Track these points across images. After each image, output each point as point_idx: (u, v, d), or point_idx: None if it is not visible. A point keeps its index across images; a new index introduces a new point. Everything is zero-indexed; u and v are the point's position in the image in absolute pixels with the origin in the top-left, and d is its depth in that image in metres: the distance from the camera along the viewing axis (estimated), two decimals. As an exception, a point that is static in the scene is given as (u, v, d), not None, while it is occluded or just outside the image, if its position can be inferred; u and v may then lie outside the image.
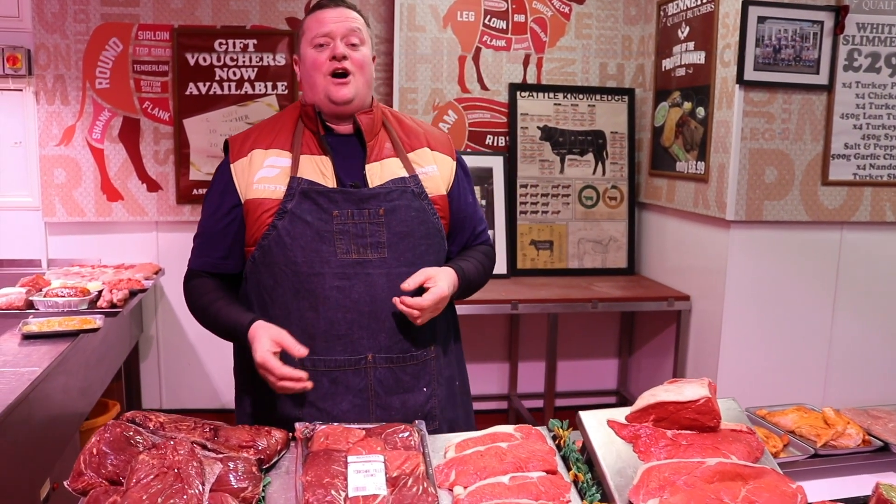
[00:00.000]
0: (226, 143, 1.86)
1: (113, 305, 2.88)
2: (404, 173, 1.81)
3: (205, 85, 3.85)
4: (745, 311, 3.30)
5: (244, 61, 3.87)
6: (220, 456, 1.39)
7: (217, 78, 3.86)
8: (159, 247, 3.96)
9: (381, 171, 1.80)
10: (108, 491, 1.32)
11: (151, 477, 1.28)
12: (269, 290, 1.77)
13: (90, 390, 2.89)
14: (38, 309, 2.79)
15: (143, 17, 3.77)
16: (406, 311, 1.69)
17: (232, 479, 1.34)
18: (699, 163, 3.43)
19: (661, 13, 3.82)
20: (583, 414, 1.55)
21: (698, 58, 3.44)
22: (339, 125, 1.82)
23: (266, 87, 3.91)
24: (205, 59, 3.83)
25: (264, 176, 1.76)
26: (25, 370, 2.22)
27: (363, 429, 1.56)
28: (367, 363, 1.75)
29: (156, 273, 3.59)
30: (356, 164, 1.80)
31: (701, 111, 3.42)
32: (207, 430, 1.51)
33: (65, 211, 3.82)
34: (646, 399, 1.51)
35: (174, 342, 4.05)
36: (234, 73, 3.87)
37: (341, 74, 1.76)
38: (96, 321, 2.63)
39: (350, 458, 1.41)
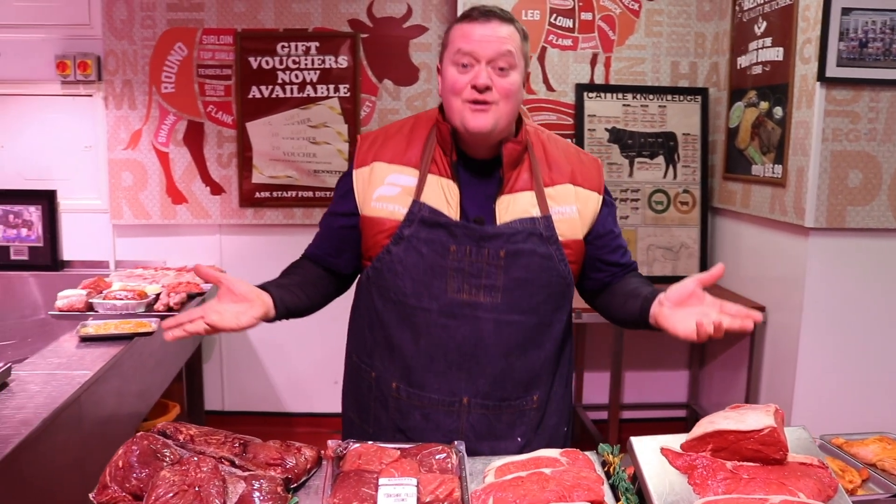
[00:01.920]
0: (354, 140, 1.77)
1: (169, 309, 2.88)
2: (536, 212, 1.64)
3: (267, 88, 3.85)
4: (824, 325, 3.08)
5: (306, 64, 3.85)
6: (245, 474, 1.33)
7: (279, 81, 3.85)
8: (222, 249, 3.98)
9: (511, 206, 1.64)
10: (129, 507, 1.27)
11: (171, 495, 1.23)
12: (377, 311, 1.71)
13: (147, 392, 2.90)
14: (97, 311, 2.82)
15: (207, 22, 3.80)
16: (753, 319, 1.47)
17: (256, 498, 1.28)
18: (776, 166, 3.23)
19: (737, 8, 3.62)
20: (634, 440, 1.43)
21: (776, 54, 3.24)
22: (477, 150, 1.67)
23: (328, 89, 3.88)
24: (267, 63, 3.83)
25: (384, 194, 1.66)
26: (78, 373, 2.22)
27: (399, 448, 1.48)
28: (462, 406, 1.66)
29: (216, 276, 3.60)
30: (487, 193, 1.65)
31: (778, 111, 3.22)
32: (237, 444, 1.45)
33: (131, 213, 3.87)
34: (703, 426, 1.38)
35: (237, 345, 4.07)
36: (297, 76, 3.86)
37: (481, 101, 1.58)
38: (151, 325, 2.64)
39: (381, 481, 1.33)
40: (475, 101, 1.57)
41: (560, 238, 1.66)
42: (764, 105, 3.35)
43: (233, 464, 1.39)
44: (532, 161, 1.69)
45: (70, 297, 2.82)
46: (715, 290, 3.66)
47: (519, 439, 1.71)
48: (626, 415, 4.16)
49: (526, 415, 1.72)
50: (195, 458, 1.30)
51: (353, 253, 1.76)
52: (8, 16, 3.76)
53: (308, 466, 1.44)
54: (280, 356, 4.08)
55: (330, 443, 1.47)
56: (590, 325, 3.93)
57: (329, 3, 3.83)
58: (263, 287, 1.60)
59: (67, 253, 3.89)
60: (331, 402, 3.56)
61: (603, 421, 3.86)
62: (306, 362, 4.05)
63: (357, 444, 1.47)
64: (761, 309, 3.39)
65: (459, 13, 3.69)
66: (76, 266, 3.87)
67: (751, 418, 1.35)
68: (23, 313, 3.65)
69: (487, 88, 1.56)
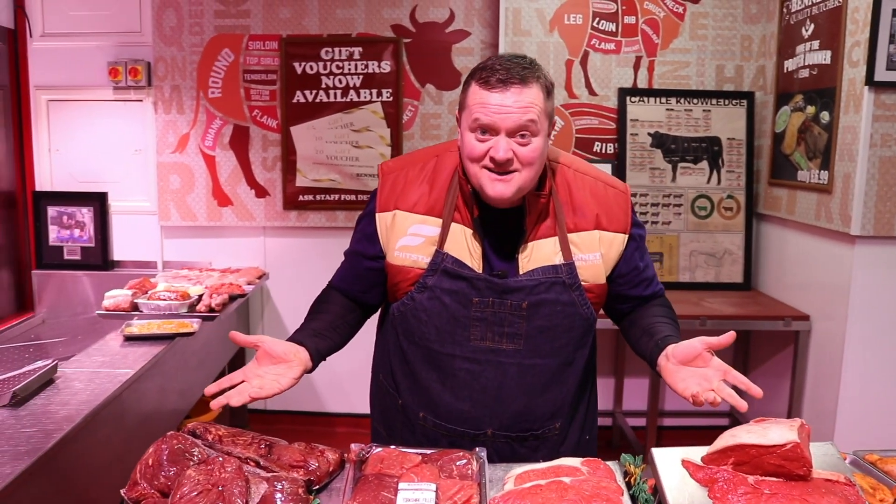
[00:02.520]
0: (378, 171, 1.72)
1: (211, 310, 2.95)
2: (559, 260, 1.62)
3: (311, 93, 3.91)
4: (870, 335, 3.00)
5: (350, 69, 3.90)
6: (268, 475, 1.36)
7: (323, 86, 3.91)
8: (266, 251, 4.06)
9: (533, 254, 1.62)
10: (156, 503, 1.31)
11: (195, 493, 1.27)
12: (403, 351, 1.74)
13: (189, 391, 2.97)
14: (141, 311, 2.90)
15: (253, 28, 3.87)
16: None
17: (278, 499, 1.31)
18: (822, 172, 3.16)
19: (784, 10, 3.55)
20: (656, 451, 1.42)
21: (823, 57, 3.17)
22: (500, 204, 1.59)
23: (371, 94, 3.92)
24: (311, 68, 3.89)
25: (407, 244, 1.66)
26: (120, 371, 2.30)
27: (420, 454, 1.49)
28: (486, 437, 1.70)
29: (259, 277, 3.68)
30: (510, 242, 1.63)
31: (825, 116, 3.15)
32: (262, 446, 1.49)
33: (179, 215, 3.97)
34: (725, 439, 1.37)
35: (279, 345, 4.13)
36: (340, 81, 3.91)
37: (502, 172, 1.52)
38: (193, 325, 2.71)
39: (401, 485, 1.35)
40: (495, 171, 1.52)
41: (583, 283, 1.65)
42: (810, 109, 3.28)
43: (258, 464, 1.43)
44: (556, 206, 1.65)
45: (116, 297, 2.91)
46: (759, 297, 3.61)
47: (541, 460, 1.71)
48: (668, 422, 4.11)
49: (549, 440, 1.76)
50: (220, 459, 1.34)
51: (382, 288, 1.78)
52: (64, 25, 3.90)
53: (331, 469, 1.47)
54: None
55: (353, 446, 1.49)
56: (630, 331, 3.90)
57: (372, 8, 3.87)
58: (298, 339, 1.60)
59: (118, 253, 4.01)
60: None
61: (642, 428, 3.82)
62: (347, 363, 4.04)
63: (380, 449, 1.49)
64: (805, 318, 3.32)
65: (501, 19, 3.74)
66: (126, 266, 4.00)
67: (774, 433, 1.33)
68: (74, 311, 3.79)
69: (507, 161, 1.50)
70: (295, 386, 1.50)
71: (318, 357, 1.62)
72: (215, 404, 1.40)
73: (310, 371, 1.59)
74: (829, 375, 3.15)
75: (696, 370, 1.49)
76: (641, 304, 1.78)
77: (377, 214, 1.69)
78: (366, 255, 1.74)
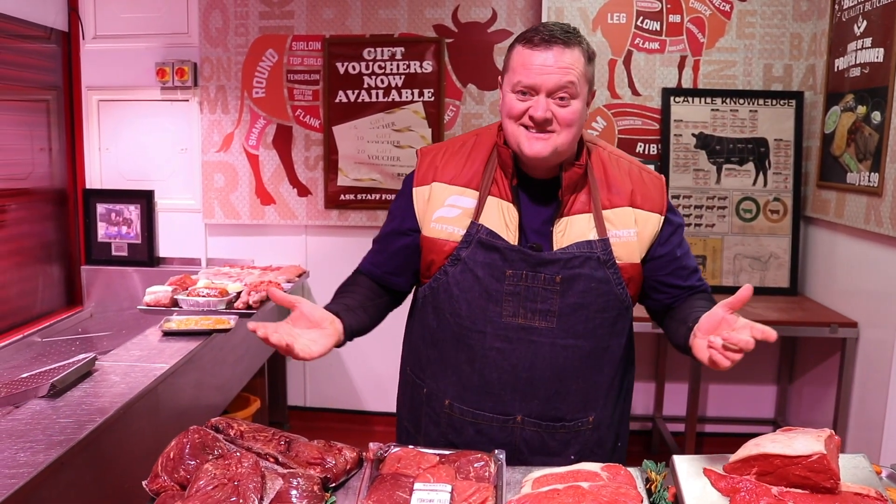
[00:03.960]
0: (417, 154, 1.76)
1: (248, 307, 2.99)
2: (593, 235, 1.61)
3: (353, 93, 3.94)
4: (921, 343, 2.90)
5: (392, 69, 3.92)
6: (285, 472, 1.37)
7: (365, 86, 3.93)
8: (308, 250, 4.10)
9: (568, 230, 1.61)
10: (174, 496, 1.34)
11: (211, 487, 1.28)
12: (431, 330, 1.72)
13: (227, 386, 3.02)
14: (181, 307, 2.96)
15: (297, 29, 3.92)
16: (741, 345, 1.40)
17: (293, 496, 1.32)
18: (873, 174, 3.06)
19: (836, 7, 3.45)
20: (677, 458, 1.39)
21: (876, 55, 3.07)
22: (537, 171, 1.63)
23: (413, 94, 3.93)
24: (353, 68, 3.92)
25: (443, 216, 1.66)
26: (156, 366, 2.35)
27: (438, 454, 1.49)
28: (515, 423, 1.67)
29: (299, 276, 3.72)
30: (545, 216, 1.63)
31: (877, 116, 3.04)
32: (282, 442, 1.50)
33: (222, 213, 4.04)
34: (749, 448, 1.33)
35: (319, 342, 4.17)
36: (382, 81, 3.93)
37: (539, 130, 1.54)
38: (230, 322, 2.75)
39: (416, 486, 1.35)
40: (534, 129, 1.54)
41: (617, 261, 1.63)
42: (861, 110, 3.18)
43: (276, 461, 1.44)
44: (591, 183, 1.65)
45: (157, 293, 2.97)
46: (805, 302, 3.52)
47: (572, 457, 1.70)
48: (709, 428, 4.03)
49: (581, 434, 1.71)
50: (238, 454, 1.35)
51: (412, 271, 1.76)
52: (115, 27, 4.00)
53: (348, 467, 1.47)
54: (361, 356, 4.16)
55: (371, 445, 1.49)
56: (671, 335, 3.83)
57: (415, 8, 3.88)
58: (333, 310, 1.59)
59: (163, 250, 4.10)
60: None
61: (681, 433, 3.75)
62: (386, 362, 4.10)
63: (398, 448, 1.49)
64: (853, 325, 3.21)
65: (544, 19, 3.71)
66: (171, 263, 4.08)
67: (799, 443, 1.29)
68: (121, 306, 3.88)
69: (546, 121, 1.53)
70: (327, 354, 1.51)
71: (349, 332, 1.61)
72: (252, 325, 1.39)
73: (340, 345, 1.58)
74: (876, 385, 3.05)
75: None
76: (682, 296, 1.72)
77: (414, 189, 1.70)
78: (400, 231, 1.73)
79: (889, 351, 2.95)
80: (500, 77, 1.65)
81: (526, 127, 1.55)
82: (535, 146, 1.54)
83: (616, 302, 1.64)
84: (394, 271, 1.77)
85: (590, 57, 1.57)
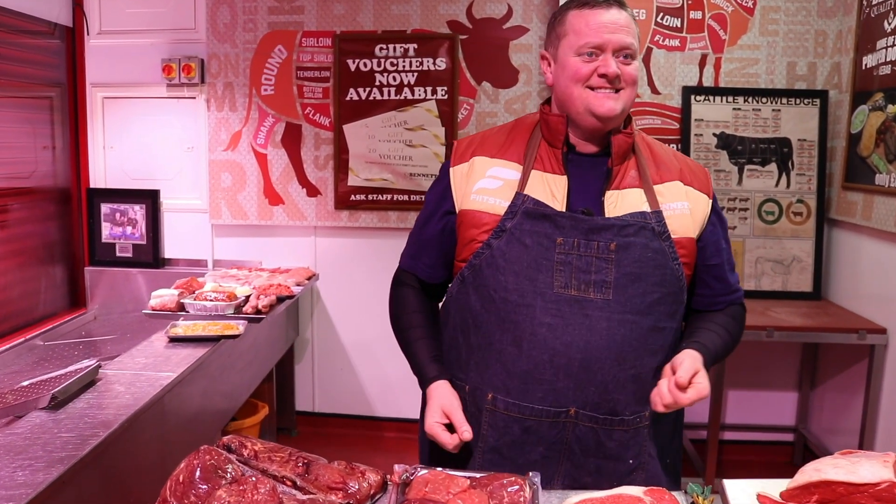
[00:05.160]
0: (450, 144, 1.72)
1: (258, 311, 2.89)
2: (646, 208, 1.56)
3: (364, 90, 3.84)
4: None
5: (404, 66, 3.82)
6: (305, 498, 1.27)
7: (377, 83, 3.83)
8: (317, 251, 4.00)
9: (619, 202, 1.56)
10: (186, 524, 1.24)
11: (226, 516, 1.18)
12: (474, 314, 1.59)
13: (235, 392, 2.93)
14: (188, 311, 2.86)
15: (307, 25, 3.82)
16: (667, 403, 1.43)
17: (313, 524, 1.22)
18: (904, 176, 2.95)
19: (864, 3, 3.34)
20: (728, 483, 1.29)
21: (907, 54, 2.96)
22: (584, 143, 1.60)
23: (426, 91, 3.83)
24: (365, 65, 3.82)
25: (484, 187, 1.59)
26: (163, 374, 2.25)
27: (469, 478, 1.38)
28: (568, 417, 1.53)
29: (308, 278, 3.62)
30: (594, 188, 1.57)
31: (909, 116, 2.94)
32: (300, 464, 1.39)
33: (230, 214, 3.94)
34: (808, 474, 1.22)
35: (328, 346, 4.08)
36: (394, 79, 3.83)
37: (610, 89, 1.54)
38: (239, 327, 2.65)
39: (446, 512, 1.25)
40: (603, 88, 1.52)
41: (672, 235, 1.56)
42: (892, 108, 3.07)
43: (294, 484, 1.34)
44: (639, 159, 1.61)
45: (163, 296, 2.87)
46: (830, 307, 3.41)
47: (630, 461, 1.58)
48: (728, 436, 3.92)
49: (639, 433, 1.57)
50: (253, 479, 1.25)
51: (448, 261, 1.68)
52: (120, 22, 3.91)
53: (372, 492, 1.37)
54: (370, 360, 4.06)
55: (397, 467, 1.39)
56: (691, 340, 3.72)
57: (428, 4, 3.78)
58: (435, 375, 1.63)
59: (169, 251, 4.01)
60: (419, 408, 3.52)
61: (702, 441, 3.64)
62: (396, 367, 4.01)
63: (425, 471, 1.38)
64: (882, 331, 3.11)
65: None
66: (177, 264, 3.99)
67: (865, 469, 1.19)
68: (125, 308, 3.79)
69: (617, 77, 1.51)
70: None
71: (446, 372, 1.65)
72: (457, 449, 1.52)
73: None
74: (908, 394, 2.94)
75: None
76: (724, 295, 1.69)
77: (451, 168, 1.66)
78: (437, 215, 1.67)
79: (922, 359, 2.85)
80: (545, 52, 1.64)
81: (592, 88, 1.53)
82: (606, 104, 1.52)
83: (672, 278, 1.55)
84: (432, 262, 1.70)
85: (635, 19, 1.59)
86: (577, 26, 1.53)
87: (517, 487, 1.34)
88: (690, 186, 1.62)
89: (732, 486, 1.28)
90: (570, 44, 1.54)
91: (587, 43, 1.51)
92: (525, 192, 1.56)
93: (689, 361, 1.47)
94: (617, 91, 1.52)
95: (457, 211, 1.63)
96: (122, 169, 4.01)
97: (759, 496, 1.26)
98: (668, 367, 1.50)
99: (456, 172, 1.64)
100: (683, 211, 1.59)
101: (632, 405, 1.55)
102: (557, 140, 1.59)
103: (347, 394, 4.13)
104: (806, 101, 3.63)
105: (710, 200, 1.64)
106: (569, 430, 1.54)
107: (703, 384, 1.45)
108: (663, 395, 1.44)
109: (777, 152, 3.64)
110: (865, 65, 3.31)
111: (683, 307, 1.62)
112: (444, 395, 1.57)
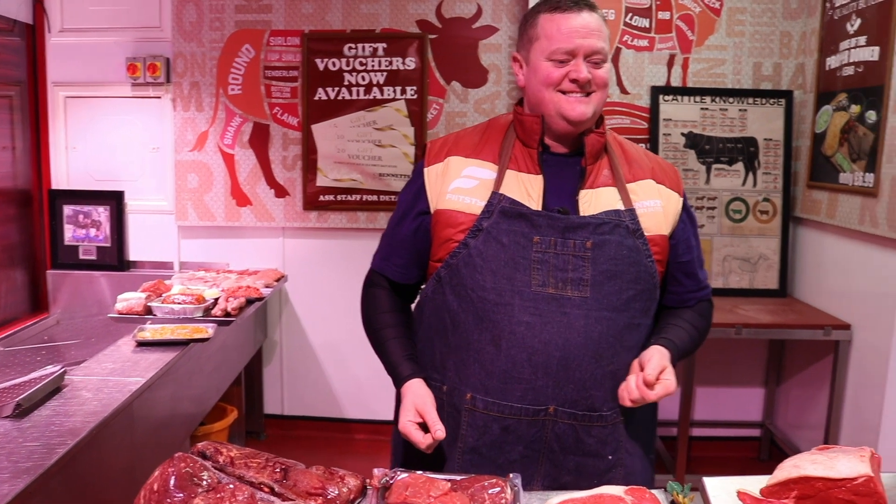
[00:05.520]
0: (424, 145, 1.71)
1: (227, 314, 2.85)
2: (620, 206, 1.58)
3: (333, 90, 3.81)
4: (920, 347, 2.84)
5: (373, 65, 3.79)
6: (283, 504, 1.24)
7: (346, 83, 3.80)
8: (285, 253, 3.96)
9: (594, 201, 1.58)
10: (161, 535, 1.20)
11: (202, 525, 1.16)
12: (452, 314, 1.59)
13: (204, 396, 2.88)
14: (155, 315, 2.81)
15: (275, 24, 3.78)
16: (635, 399, 1.48)
17: (293, 531, 1.20)
18: (867, 174, 3.00)
19: (827, 5, 3.39)
20: (708, 480, 1.30)
21: (871, 54, 3.02)
22: (556, 144, 1.62)
23: (395, 91, 3.81)
24: (334, 64, 3.78)
25: (460, 186, 1.59)
26: (131, 380, 2.20)
27: (449, 480, 1.37)
28: (547, 415, 1.54)
29: (277, 280, 3.58)
30: (568, 188, 1.59)
31: (872, 115, 2.99)
32: (278, 470, 1.37)
33: (196, 215, 3.88)
34: (787, 470, 1.23)
35: (297, 348, 4.04)
36: (363, 78, 3.80)
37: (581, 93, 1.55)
38: (208, 330, 2.61)
39: (427, 516, 1.23)
40: (574, 93, 1.54)
41: (645, 233, 1.58)
42: (855, 109, 3.12)
43: (272, 491, 1.31)
44: (612, 158, 1.64)
45: (129, 300, 2.82)
46: (796, 304, 3.46)
47: (609, 457, 1.59)
48: (697, 432, 3.96)
49: (617, 429, 1.59)
50: (231, 486, 1.23)
51: (422, 262, 1.67)
52: (83, 20, 3.82)
53: (351, 497, 1.35)
54: (340, 362, 4.03)
55: (376, 471, 1.37)
56: (661, 338, 3.75)
57: (397, 3, 3.76)
58: (410, 374, 1.61)
59: (134, 253, 3.94)
60: (390, 409, 3.50)
61: (672, 438, 3.68)
62: (365, 369, 3.98)
63: (405, 474, 1.37)
64: (846, 327, 3.16)
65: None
66: (142, 266, 3.93)
67: (842, 465, 1.20)
68: (89, 312, 3.71)
69: (588, 82, 1.53)
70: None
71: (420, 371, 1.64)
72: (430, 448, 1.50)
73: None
74: (871, 388, 3.00)
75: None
76: (694, 291, 1.72)
77: (425, 169, 1.66)
78: (410, 215, 1.67)
79: (885, 353, 2.90)
80: (517, 54, 1.64)
81: (563, 92, 1.54)
82: (578, 108, 1.54)
83: (647, 275, 1.58)
84: (405, 263, 1.69)
85: (605, 22, 1.60)
86: (549, 31, 1.54)
87: (499, 489, 1.33)
88: (662, 185, 1.65)
89: (712, 483, 1.29)
90: (541, 48, 1.55)
91: (559, 48, 1.52)
92: (501, 192, 1.56)
93: (657, 358, 1.50)
94: (588, 95, 1.54)
95: (432, 211, 1.62)
96: (85, 170, 3.93)
97: (739, 493, 1.27)
98: (636, 363, 1.54)
99: (430, 172, 1.64)
100: (656, 209, 1.61)
101: (609, 402, 1.56)
102: (533, 140, 1.59)
103: (317, 396, 4.09)
104: (771, 101, 3.68)
105: (682, 199, 1.67)
106: (548, 429, 1.54)
107: (670, 381, 1.48)
108: (631, 390, 1.48)
109: (744, 152, 3.69)
110: (829, 66, 3.37)
111: (656, 304, 1.65)
112: (418, 394, 1.56)
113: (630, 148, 1.69)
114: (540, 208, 1.55)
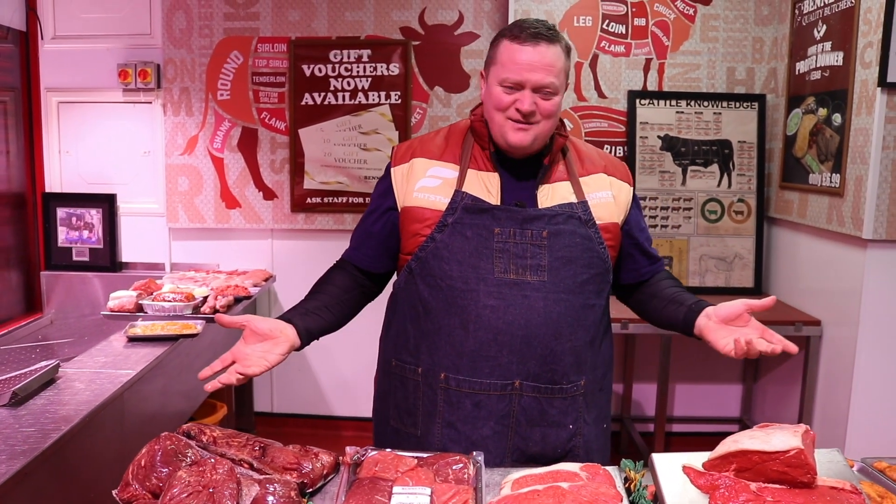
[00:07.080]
0: (392, 148, 1.86)
1: (216, 311, 2.94)
2: (573, 199, 1.73)
3: (319, 95, 3.91)
4: (883, 340, 2.95)
5: (358, 71, 3.89)
6: (261, 478, 1.34)
7: (331, 88, 3.90)
8: (274, 254, 4.05)
9: (551, 194, 1.73)
10: (147, 505, 1.30)
11: (185, 495, 1.25)
12: (423, 301, 1.73)
13: (193, 392, 2.97)
14: (146, 312, 2.90)
15: (262, 31, 3.87)
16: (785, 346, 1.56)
17: (269, 501, 1.29)
18: (834, 175, 3.12)
19: (796, 11, 3.51)
20: (656, 456, 1.40)
21: (835, 59, 3.13)
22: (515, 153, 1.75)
23: (380, 96, 3.91)
24: (320, 70, 3.88)
25: (425, 185, 1.73)
26: (122, 372, 2.30)
27: (416, 457, 1.47)
28: (514, 389, 1.68)
29: (266, 280, 3.67)
30: (526, 184, 1.74)
31: (837, 118, 3.11)
32: (257, 448, 1.47)
33: (187, 217, 3.98)
34: (727, 445, 1.34)
35: (286, 347, 4.12)
36: (349, 84, 3.91)
37: (524, 122, 1.67)
38: (197, 326, 2.70)
39: (395, 489, 1.33)
40: (518, 121, 1.66)
41: (598, 222, 1.73)
42: (822, 112, 3.24)
43: (251, 466, 1.41)
44: (566, 156, 1.79)
45: (121, 297, 2.91)
46: (769, 302, 3.56)
47: (570, 426, 1.73)
48: (676, 428, 4.07)
49: (576, 401, 1.74)
50: (212, 460, 1.32)
51: (391, 254, 1.81)
52: (75, 27, 3.92)
53: (325, 472, 1.45)
54: (328, 360, 4.12)
55: (348, 449, 1.47)
56: (638, 336, 3.87)
57: (381, 11, 3.86)
58: (287, 317, 1.64)
59: (126, 255, 4.02)
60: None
61: (650, 434, 3.78)
62: (354, 367, 4.08)
63: (375, 452, 1.47)
64: (816, 323, 3.27)
65: (511, 20, 3.71)
66: (134, 267, 4.01)
67: (777, 439, 1.30)
68: (82, 312, 3.79)
69: (531, 113, 1.65)
70: (283, 362, 1.58)
71: (306, 335, 1.65)
72: (209, 387, 1.48)
73: (298, 349, 1.63)
74: (840, 381, 3.11)
75: (736, 329, 1.61)
76: (649, 267, 1.87)
77: (392, 169, 1.79)
78: (379, 211, 1.80)
79: (852, 348, 3.01)
80: (483, 70, 1.76)
81: (512, 119, 1.66)
82: (517, 135, 1.67)
83: (599, 260, 1.73)
84: (373, 254, 1.82)
85: (568, 51, 1.71)
86: (503, 59, 1.66)
87: (461, 465, 1.44)
88: (613, 177, 1.81)
89: (660, 459, 1.39)
90: (496, 73, 1.68)
91: (507, 78, 1.64)
92: (463, 190, 1.71)
93: (736, 303, 1.64)
94: (530, 124, 1.66)
95: (399, 208, 1.77)
96: (78, 173, 4.01)
97: (684, 467, 1.37)
98: (712, 314, 1.65)
99: (397, 172, 1.79)
100: (607, 199, 1.77)
101: (569, 375, 1.72)
102: (485, 142, 1.75)
103: (305, 394, 4.18)
104: (745, 104, 3.80)
105: (632, 189, 1.83)
106: (515, 402, 1.68)
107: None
108: (777, 341, 1.58)
109: (718, 154, 3.80)
110: (798, 70, 3.48)
111: (609, 286, 1.81)
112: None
113: (583, 146, 1.85)
114: (499, 203, 1.69)
